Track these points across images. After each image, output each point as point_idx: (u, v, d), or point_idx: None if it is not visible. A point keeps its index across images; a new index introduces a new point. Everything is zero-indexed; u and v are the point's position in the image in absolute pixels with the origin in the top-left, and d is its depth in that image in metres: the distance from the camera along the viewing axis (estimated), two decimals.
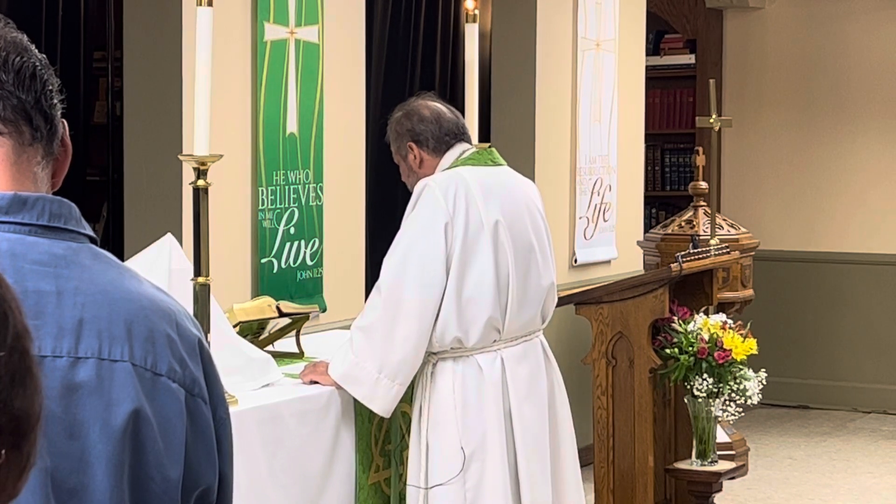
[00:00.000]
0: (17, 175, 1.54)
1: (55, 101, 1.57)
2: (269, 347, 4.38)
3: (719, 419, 5.61)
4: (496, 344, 4.13)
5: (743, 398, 5.39)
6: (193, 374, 1.55)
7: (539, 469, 4.16)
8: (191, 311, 2.93)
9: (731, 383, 5.36)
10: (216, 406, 1.59)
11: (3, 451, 1.07)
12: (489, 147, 4.33)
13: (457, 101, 7.94)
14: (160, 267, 3.69)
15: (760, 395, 5.48)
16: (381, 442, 4.15)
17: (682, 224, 7.24)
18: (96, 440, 1.47)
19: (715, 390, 5.34)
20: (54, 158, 1.59)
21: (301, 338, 4.45)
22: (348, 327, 4.26)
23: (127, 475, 1.49)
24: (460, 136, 4.29)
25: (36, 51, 1.57)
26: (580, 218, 7.31)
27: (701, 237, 6.33)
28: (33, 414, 1.09)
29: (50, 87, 1.56)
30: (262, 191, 5.19)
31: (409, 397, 4.16)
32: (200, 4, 3.37)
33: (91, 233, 1.56)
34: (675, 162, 9.64)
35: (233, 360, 3.77)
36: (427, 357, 4.11)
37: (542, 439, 4.19)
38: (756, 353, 5.44)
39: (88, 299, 1.50)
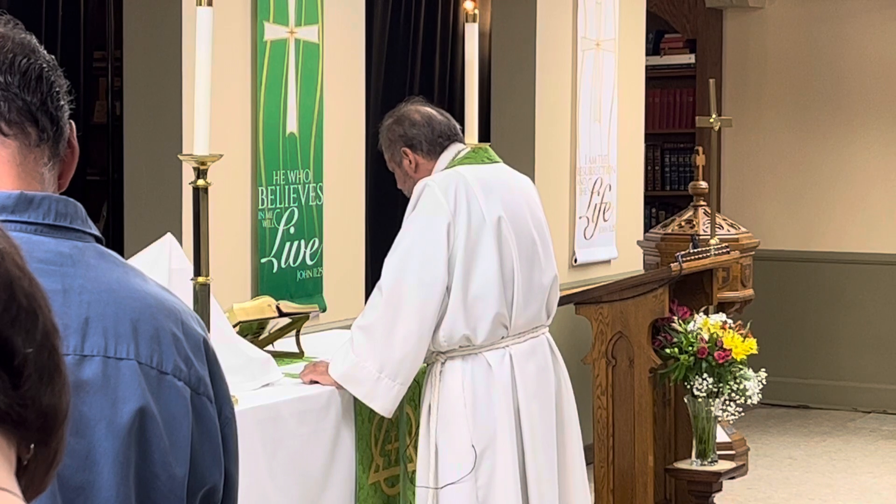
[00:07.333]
0: (24, 175, 1.54)
1: (62, 102, 1.57)
2: (269, 347, 4.38)
3: (719, 419, 5.61)
4: (504, 340, 4.13)
5: (743, 398, 5.39)
6: (199, 372, 1.56)
7: (546, 466, 4.17)
8: None
9: (731, 383, 5.35)
10: (221, 405, 1.59)
11: (32, 447, 1.08)
12: (484, 145, 4.33)
13: (456, 101, 7.95)
14: (160, 267, 3.69)
15: (760, 395, 5.48)
16: (381, 442, 4.15)
17: (682, 224, 7.24)
18: (102, 438, 1.47)
19: (715, 390, 5.34)
20: (61, 160, 1.59)
21: (301, 338, 4.45)
22: (348, 327, 4.26)
23: (133, 473, 1.49)
24: (453, 137, 4.28)
25: (44, 52, 1.57)
26: (580, 218, 7.31)
27: (701, 237, 6.33)
28: (61, 410, 1.10)
29: (57, 89, 1.57)
30: (262, 191, 5.19)
31: (409, 398, 4.15)
32: (200, 4, 3.37)
33: (97, 232, 1.56)
34: (675, 162, 9.64)
35: (233, 359, 3.76)
36: (435, 357, 4.11)
37: (550, 436, 4.20)
38: (756, 352, 5.44)
39: (94, 297, 1.50)
